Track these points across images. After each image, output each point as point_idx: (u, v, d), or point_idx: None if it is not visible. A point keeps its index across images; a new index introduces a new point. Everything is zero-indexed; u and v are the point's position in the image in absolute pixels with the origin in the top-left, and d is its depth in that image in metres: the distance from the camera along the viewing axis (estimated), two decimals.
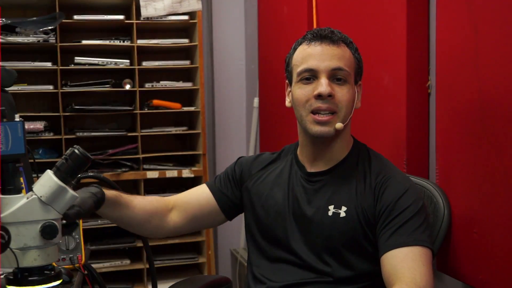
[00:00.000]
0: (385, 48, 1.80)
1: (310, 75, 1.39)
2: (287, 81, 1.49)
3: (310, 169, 1.47)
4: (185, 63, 3.19)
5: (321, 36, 1.40)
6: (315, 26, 2.28)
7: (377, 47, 1.84)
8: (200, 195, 1.56)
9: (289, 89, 1.48)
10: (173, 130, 3.20)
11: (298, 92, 1.41)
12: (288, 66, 1.48)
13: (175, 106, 3.16)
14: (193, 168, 3.16)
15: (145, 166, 3.08)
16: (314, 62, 1.38)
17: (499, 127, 1.35)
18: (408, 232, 1.30)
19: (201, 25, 3.12)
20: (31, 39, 2.85)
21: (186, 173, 3.12)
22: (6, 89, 1.75)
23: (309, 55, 1.39)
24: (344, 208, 1.39)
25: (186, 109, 3.20)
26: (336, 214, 1.39)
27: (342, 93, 1.37)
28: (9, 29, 2.82)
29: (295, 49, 1.45)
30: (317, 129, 1.39)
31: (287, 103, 1.49)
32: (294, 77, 1.43)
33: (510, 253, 1.34)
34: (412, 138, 1.71)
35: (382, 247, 1.32)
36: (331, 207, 1.40)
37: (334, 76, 1.38)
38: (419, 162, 1.73)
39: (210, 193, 1.56)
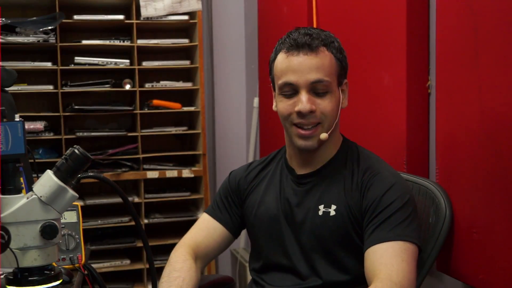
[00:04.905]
0: (385, 48, 1.80)
1: (290, 89, 1.37)
2: (271, 85, 1.48)
3: (299, 171, 1.47)
4: (185, 63, 3.19)
5: (299, 45, 1.35)
6: (315, 26, 2.28)
7: (377, 47, 1.84)
8: (213, 233, 1.54)
9: (274, 93, 1.47)
10: (173, 130, 3.19)
11: (280, 106, 1.40)
12: (271, 72, 1.46)
13: (175, 106, 3.16)
14: (193, 168, 3.15)
15: (145, 166, 3.08)
16: (292, 77, 1.35)
17: (499, 127, 1.35)
18: (390, 227, 1.30)
19: (201, 25, 3.11)
20: (31, 39, 2.85)
21: (186, 173, 3.12)
22: (6, 89, 1.75)
23: (288, 67, 1.36)
24: (333, 207, 1.39)
25: (186, 109, 3.20)
26: (326, 213, 1.39)
27: (324, 104, 1.36)
28: (9, 29, 2.82)
29: (276, 53, 1.42)
30: (301, 143, 1.39)
31: (274, 107, 1.47)
32: (276, 88, 1.42)
33: (510, 253, 1.34)
34: (412, 138, 1.71)
35: (365, 243, 1.32)
36: (321, 207, 1.40)
37: (315, 89, 1.35)
38: (419, 162, 1.72)
39: (220, 224, 1.55)
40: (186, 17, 3.09)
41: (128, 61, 3.06)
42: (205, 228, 1.55)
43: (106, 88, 3.03)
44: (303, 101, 1.34)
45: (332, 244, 1.38)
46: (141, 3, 2.98)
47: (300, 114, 1.35)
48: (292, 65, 1.35)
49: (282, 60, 1.38)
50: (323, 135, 1.37)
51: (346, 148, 1.46)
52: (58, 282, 1.13)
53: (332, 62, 1.37)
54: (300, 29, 1.40)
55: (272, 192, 1.49)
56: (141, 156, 3.05)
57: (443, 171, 1.58)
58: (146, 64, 3.09)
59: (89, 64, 3.01)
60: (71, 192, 1.11)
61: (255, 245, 1.54)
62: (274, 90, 1.45)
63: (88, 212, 3.00)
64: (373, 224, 1.32)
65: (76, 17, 2.94)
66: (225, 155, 3.49)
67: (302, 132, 1.37)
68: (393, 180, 1.37)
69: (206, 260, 1.54)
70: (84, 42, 3.02)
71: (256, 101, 3.23)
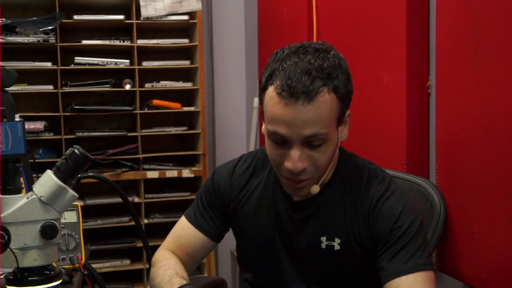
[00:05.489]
0: (385, 48, 1.80)
1: (281, 139, 1.18)
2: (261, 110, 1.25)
3: (295, 197, 1.32)
4: (185, 63, 3.19)
5: (294, 93, 1.12)
6: (315, 26, 2.28)
7: (377, 47, 1.84)
8: (193, 242, 1.43)
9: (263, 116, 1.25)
10: (173, 130, 3.20)
11: (269, 150, 1.24)
12: (261, 101, 1.22)
13: (175, 106, 3.17)
14: (193, 168, 3.16)
15: (145, 166, 3.08)
16: (284, 130, 1.15)
17: (498, 126, 1.35)
18: (408, 257, 1.22)
19: (201, 25, 3.12)
20: (31, 39, 2.85)
21: (186, 173, 3.12)
22: (6, 89, 1.75)
23: (279, 117, 1.15)
24: (338, 240, 1.29)
25: (186, 109, 3.21)
26: (330, 247, 1.29)
27: (317, 156, 1.19)
28: (9, 29, 2.82)
29: (267, 82, 1.18)
30: (290, 192, 1.28)
31: (263, 130, 1.24)
32: (264, 125, 1.22)
33: (510, 253, 1.34)
34: (412, 138, 1.71)
35: (384, 275, 1.23)
36: (323, 239, 1.30)
37: (309, 141, 1.17)
38: (419, 162, 1.72)
39: (200, 233, 1.43)
40: (186, 17, 3.09)
41: (128, 61, 3.07)
42: (184, 236, 1.45)
43: (106, 88, 3.03)
44: (294, 159, 1.17)
45: (337, 277, 1.32)
46: (141, 3, 2.98)
47: (289, 171, 1.20)
48: (284, 116, 1.14)
49: (273, 103, 1.16)
50: (314, 189, 1.25)
51: (344, 164, 1.33)
52: (58, 282, 1.13)
53: (332, 106, 1.17)
54: (300, 54, 1.17)
55: (265, 211, 1.37)
56: (141, 156, 3.05)
57: (443, 171, 1.58)
58: (146, 64, 3.10)
59: (89, 64, 3.01)
60: (71, 192, 1.11)
61: (246, 263, 1.45)
62: (263, 116, 1.24)
63: (88, 212, 3.00)
64: (388, 255, 1.24)
65: (76, 17, 2.94)
66: (225, 155, 3.48)
67: (292, 184, 1.24)
68: (400, 205, 1.26)
69: (188, 267, 1.44)
70: (84, 42, 3.02)
71: (256, 101, 3.23)
